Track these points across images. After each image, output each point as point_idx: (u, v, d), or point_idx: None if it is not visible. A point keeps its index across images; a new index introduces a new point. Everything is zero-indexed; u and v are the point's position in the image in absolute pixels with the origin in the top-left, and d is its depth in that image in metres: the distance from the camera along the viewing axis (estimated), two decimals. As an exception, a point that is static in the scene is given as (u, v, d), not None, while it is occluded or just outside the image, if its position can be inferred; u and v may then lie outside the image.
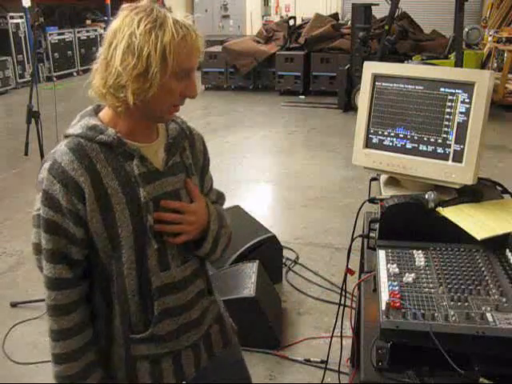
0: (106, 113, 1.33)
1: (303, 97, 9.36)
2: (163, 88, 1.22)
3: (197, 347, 1.46)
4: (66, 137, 1.30)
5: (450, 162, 1.71)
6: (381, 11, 9.30)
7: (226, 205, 1.66)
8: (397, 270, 1.42)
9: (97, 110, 1.36)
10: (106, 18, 13.06)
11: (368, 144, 1.86)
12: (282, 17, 13.55)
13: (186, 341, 1.43)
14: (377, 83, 1.82)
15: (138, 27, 1.17)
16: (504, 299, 1.27)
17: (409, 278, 1.37)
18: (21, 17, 10.12)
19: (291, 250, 3.91)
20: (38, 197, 1.28)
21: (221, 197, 1.61)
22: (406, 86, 1.76)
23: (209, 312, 1.50)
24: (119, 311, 1.34)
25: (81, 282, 1.33)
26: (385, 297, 1.29)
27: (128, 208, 1.27)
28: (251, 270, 2.90)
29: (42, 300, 3.35)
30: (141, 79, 1.19)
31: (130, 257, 1.30)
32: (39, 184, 1.28)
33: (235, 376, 1.62)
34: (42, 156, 2.92)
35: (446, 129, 1.71)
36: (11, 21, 9.95)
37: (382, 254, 1.52)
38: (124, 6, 1.22)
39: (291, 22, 10.23)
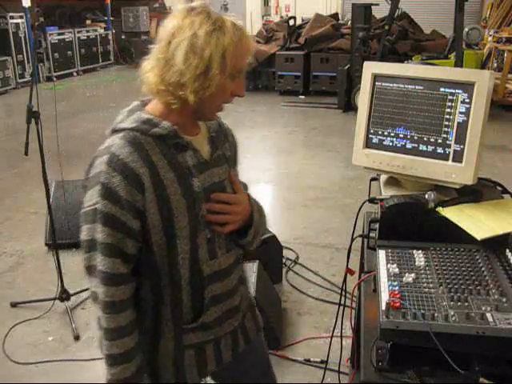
0: (155, 107, 1.36)
1: (303, 97, 9.37)
2: (219, 87, 1.28)
3: (235, 333, 1.53)
4: (116, 131, 1.32)
5: (449, 162, 1.71)
6: (381, 11, 9.30)
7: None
8: (397, 270, 1.42)
9: (144, 105, 1.40)
10: (105, 18, 13.07)
11: (368, 144, 1.86)
12: (282, 17, 13.54)
13: (227, 327, 1.48)
14: (377, 83, 1.82)
15: (200, 29, 1.23)
16: (504, 299, 1.27)
17: (409, 278, 1.37)
18: (21, 17, 10.12)
19: (291, 250, 3.91)
20: (91, 192, 1.27)
21: (246, 187, 1.64)
22: (406, 86, 1.76)
23: (244, 299, 1.56)
24: (170, 303, 1.37)
25: (133, 278, 1.34)
26: (385, 297, 1.29)
27: (183, 199, 1.31)
28: (251, 270, 2.90)
29: (42, 300, 3.36)
30: (201, 79, 1.24)
31: (184, 247, 1.33)
32: (92, 179, 1.28)
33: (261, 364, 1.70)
34: (42, 156, 2.92)
35: (446, 129, 1.71)
36: (11, 21, 9.96)
37: (382, 254, 1.52)
38: (180, 6, 1.28)
39: (291, 22, 10.23)
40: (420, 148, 1.76)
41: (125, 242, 1.28)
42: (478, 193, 1.74)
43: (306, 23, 10.21)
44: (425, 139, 1.75)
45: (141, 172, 1.26)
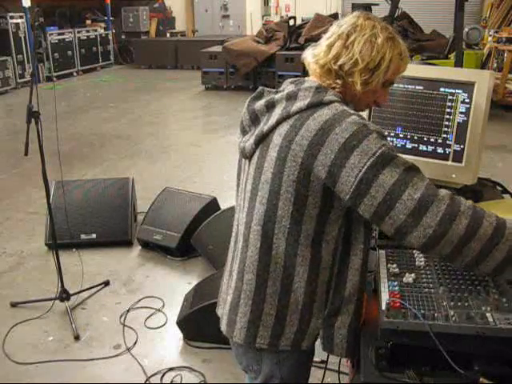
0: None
1: (303, 97, 9.35)
2: (373, 89, 1.39)
3: None
4: (324, 104, 1.32)
5: (449, 162, 1.71)
6: (381, 11, 9.30)
7: (227, 205, 1.67)
8: (397, 270, 1.42)
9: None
10: (105, 18, 13.07)
11: (368, 144, 1.86)
12: (282, 17, 13.56)
13: None
14: (377, 83, 1.82)
15: (380, 32, 1.36)
16: (504, 299, 1.27)
17: (409, 278, 1.37)
18: (21, 17, 10.11)
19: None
20: (366, 144, 1.23)
21: None
22: (406, 86, 1.76)
23: None
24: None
25: None
26: (385, 297, 1.29)
27: None
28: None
29: (42, 300, 3.37)
30: (369, 73, 1.35)
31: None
32: (353, 137, 1.24)
33: None
34: (42, 156, 2.92)
35: (445, 129, 1.71)
36: (11, 21, 9.95)
37: (382, 254, 1.52)
38: (360, 13, 1.42)
39: (291, 22, 10.23)
40: (420, 148, 1.76)
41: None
42: (478, 193, 1.74)
43: (306, 23, 10.21)
44: (425, 139, 1.75)
45: None
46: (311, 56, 1.42)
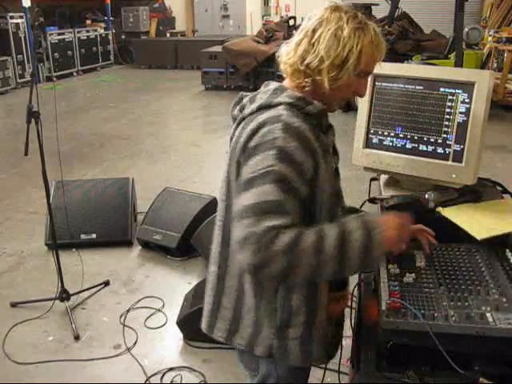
0: (293, 88, 1.40)
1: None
2: (347, 82, 1.36)
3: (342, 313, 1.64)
4: (272, 106, 1.34)
5: (449, 162, 1.71)
6: (381, 11, 9.30)
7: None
8: (397, 270, 1.42)
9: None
10: (105, 18, 13.07)
11: (368, 144, 1.87)
12: (282, 17, 13.54)
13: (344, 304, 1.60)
14: (377, 83, 1.82)
15: (346, 24, 1.31)
16: (504, 299, 1.27)
17: (409, 278, 1.38)
18: (21, 17, 10.11)
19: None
20: (263, 157, 1.26)
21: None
22: (406, 86, 1.76)
23: None
24: None
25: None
26: (385, 297, 1.29)
27: (327, 173, 1.38)
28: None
29: (42, 300, 3.36)
30: (337, 69, 1.32)
31: (326, 219, 1.37)
32: (263, 145, 1.27)
33: None
34: (42, 156, 2.92)
35: (445, 129, 1.71)
36: (11, 21, 9.95)
37: (382, 254, 1.52)
38: (329, 4, 1.36)
39: (291, 22, 10.23)
40: (420, 148, 1.76)
41: (293, 206, 1.26)
42: (478, 193, 1.74)
43: (306, 23, 10.19)
44: (425, 139, 1.75)
45: (312, 140, 1.31)
46: (285, 54, 1.40)
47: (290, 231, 1.21)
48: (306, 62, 1.33)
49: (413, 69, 1.81)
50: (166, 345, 2.93)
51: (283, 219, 1.21)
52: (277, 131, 1.28)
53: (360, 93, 1.43)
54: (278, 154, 1.26)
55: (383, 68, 1.82)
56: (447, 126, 1.71)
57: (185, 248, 3.77)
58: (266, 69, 9.72)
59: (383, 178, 2.01)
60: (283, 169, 1.25)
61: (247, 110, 1.39)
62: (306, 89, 1.37)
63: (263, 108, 1.36)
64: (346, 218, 1.33)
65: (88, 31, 12.27)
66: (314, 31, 1.32)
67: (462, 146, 1.69)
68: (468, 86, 1.66)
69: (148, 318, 3.15)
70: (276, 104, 1.35)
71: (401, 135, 1.79)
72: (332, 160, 1.45)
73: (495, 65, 8.99)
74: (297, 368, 1.52)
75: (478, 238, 1.48)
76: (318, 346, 1.44)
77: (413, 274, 1.39)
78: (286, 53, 1.39)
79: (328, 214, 1.39)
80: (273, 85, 1.43)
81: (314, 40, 1.32)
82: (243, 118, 1.39)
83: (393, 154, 1.80)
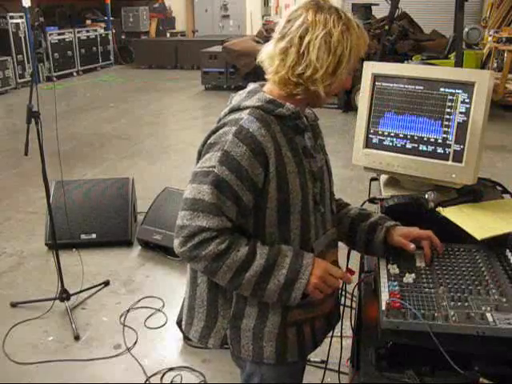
0: (273, 91, 1.39)
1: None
2: (339, 83, 1.37)
3: (327, 316, 1.56)
4: (240, 109, 1.36)
5: (449, 162, 1.71)
6: (381, 11, 9.30)
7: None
8: (397, 270, 1.42)
9: (261, 87, 1.44)
10: (105, 18, 13.07)
11: (368, 144, 1.86)
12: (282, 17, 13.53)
13: (326, 307, 1.52)
14: (377, 83, 1.82)
15: (334, 27, 1.28)
16: (504, 299, 1.27)
17: (409, 278, 1.37)
18: (21, 17, 10.12)
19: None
20: (209, 156, 1.32)
21: None
22: (406, 86, 1.76)
23: None
24: None
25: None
26: (385, 297, 1.29)
27: (298, 177, 1.37)
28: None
29: (42, 300, 3.36)
30: (331, 76, 1.32)
31: (296, 222, 1.38)
32: (214, 145, 1.33)
33: None
34: (42, 156, 2.92)
35: (445, 129, 1.71)
36: (11, 21, 9.95)
37: (382, 254, 1.52)
38: (308, 2, 1.31)
39: (291, 22, 10.21)
40: (420, 148, 1.76)
41: (230, 210, 1.30)
42: (478, 193, 1.74)
43: (306, 23, 10.19)
44: (425, 139, 1.75)
45: (268, 146, 1.31)
46: (268, 62, 1.36)
47: (222, 238, 1.28)
48: (297, 72, 1.30)
49: (413, 69, 1.81)
50: (166, 345, 2.93)
51: (216, 222, 1.27)
52: (230, 135, 1.31)
53: (347, 86, 1.44)
54: (222, 156, 1.29)
55: (383, 68, 1.84)
56: (447, 126, 1.70)
57: (185, 248, 3.77)
58: (266, 69, 9.72)
59: (383, 177, 2.00)
60: (225, 172, 1.29)
61: (223, 112, 1.42)
62: (299, 97, 1.36)
63: (233, 110, 1.38)
64: (283, 248, 1.35)
65: (88, 31, 12.28)
66: (302, 39, 1.28)
67: (461, 146, 1.69)
68: (468, 86, 1.66)
69: (148, 318, 3.15)
70: (243, 107, 1.37)
71: (401, 135, 1.79)
72: (310, 162, 1.42)
73: (495, 65, 9.01)
74: (281, 368, 1.51)
75: (478, 238, 1.48)
76: (269, 343, 1.43)
77: (413, 274, 1.38)
78: (270, 59, 1.34)
79: (300, 219, 1.39)
80: (250, 87, 1.45)
81: (303, 49, 1.28)
82: (218, 121, 1.42)
83: (393, 154, 1.80)
